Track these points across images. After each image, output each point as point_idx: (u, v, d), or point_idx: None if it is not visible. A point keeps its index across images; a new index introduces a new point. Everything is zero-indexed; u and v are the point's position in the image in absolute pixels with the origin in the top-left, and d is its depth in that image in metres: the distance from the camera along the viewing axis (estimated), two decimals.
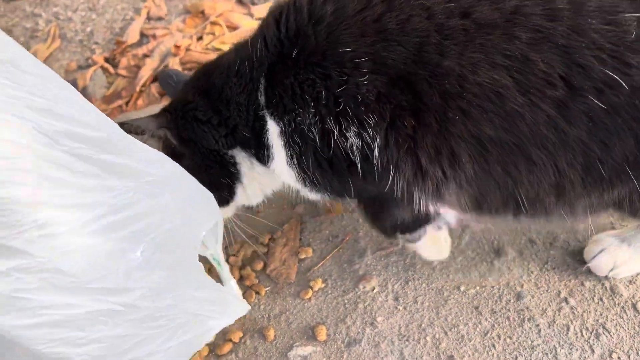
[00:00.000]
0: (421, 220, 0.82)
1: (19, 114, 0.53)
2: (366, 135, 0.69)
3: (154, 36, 1.64)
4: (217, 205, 0.79)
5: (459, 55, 0.63)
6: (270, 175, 0.84)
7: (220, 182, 0.84)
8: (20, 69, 0.55)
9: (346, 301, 0.93)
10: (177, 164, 0.72)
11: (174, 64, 1.52)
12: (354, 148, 0.70)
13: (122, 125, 0.77)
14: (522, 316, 0.87)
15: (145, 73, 1.50)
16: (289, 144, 0.75)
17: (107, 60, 1.60)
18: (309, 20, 0.71)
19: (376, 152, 0.70)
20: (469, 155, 0.67)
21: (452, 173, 0.69)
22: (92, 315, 0.62)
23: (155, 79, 1.51)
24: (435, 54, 0.64)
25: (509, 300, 0.89)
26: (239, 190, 0.86)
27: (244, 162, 0.83)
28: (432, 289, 0.92)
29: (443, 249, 0.94)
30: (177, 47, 1.58)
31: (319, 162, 0.75)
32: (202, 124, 0.80)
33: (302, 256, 1.00)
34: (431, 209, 0.77)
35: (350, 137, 0.70)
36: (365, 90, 0.67)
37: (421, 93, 0.66)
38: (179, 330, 0.72)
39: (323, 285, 0.96)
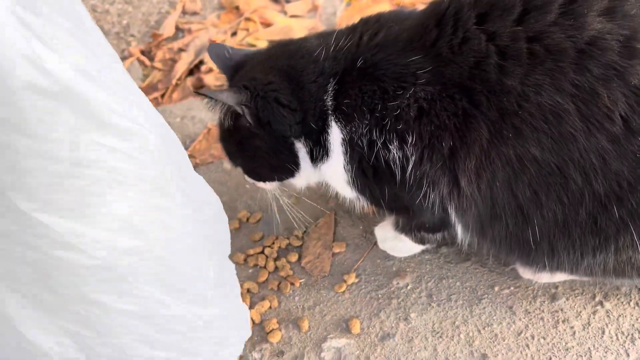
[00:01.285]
0: (445, 225, 0.84)
1: None
2: (406, 150, 0.73)
3: (189, 30, 1.67)
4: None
5: (524, 75, 0.65)
6: (314, 171, 0.87)
7: (286, 166, 0.85)
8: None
9: (380, 296, 0.94)
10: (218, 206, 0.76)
11: (209, 58, 1.54)
12: (396, 160, 0.74)
13: (201, 94, 0.80)
14: (556, 318, 0.87)
15: (181, 67, 1.53)
16: (346, 152, 0.78)
17: (143, 52, 1.64)
18: (394, 38, 0.75)
19: (410, 167, 0.74)
20: (505, 175, 0.69)
21: (488, 192, 0.72)
22: None
23: (190, 73, 1.54)
24: (495, 73, 0.67)
25: (544, 302, 0.89)
26: (296, 175, 0.88)
27: (304, 156, 0.84)
28: (466, 288, 0.93)
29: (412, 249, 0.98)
30: (212, 41, 1.60)
31: (363, 170, 0.79)
32: (282, 107, 0.80)
33: (336, 250, 1.01)
34: (453, 219, 0.80)
35: (393, 149, 0.74)
36: (407, 104, 0.71)
37: (479, 103, 0.68)
38: None
39: (357, 280, 0.97)
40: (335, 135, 0.78)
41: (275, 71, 0.81)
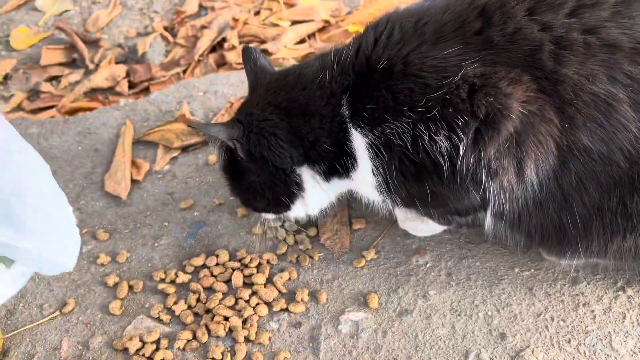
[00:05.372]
0: (479, 209, 0.82)
1: None
2: (455, 138, 0.70)
3: (213, 8, 1.67)
4: None
5: (579, 65, 0.66)
6: (330, 189, 0.87)
7: (280, 199, 0.87)
8: None
9: (398, 273, 0.94)
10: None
11: (232, 36, 1.54)
12: (443, 150, 0.71)
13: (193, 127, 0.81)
14: (576, 301, 0.87)
15: (204, 44, 1.53)
16: (376, 155, 0.76)
17: (166, 29, 1.64)
18: (414, 32, 0.74)
19: (461, 154, 0.70)
20: (555, 164, 0.70)
21: (539, 182, 0.72)
22: None
23: (213, 49, 1.54)
24: (551, 61, 0.67)
25: (564, 285, 0.89)
26: (296, 205, 0.89)
27: (308, 179, 0.85)
28: (486, 268, 0.92)
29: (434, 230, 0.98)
30: (235, 20, 1.60)
31: (402, 170, 0.76)
32: (282, 141, 0.80)
33: (356, 227, 1.01)
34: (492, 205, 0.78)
35: (440, 140, 0.71)
36: (455, 88, 0.68)
37: (543, 89, 0.68)
38: None
39: (376, 256, 0.97)
40: (359, 142, 0.77)
41: (273, 108, 0.81)
